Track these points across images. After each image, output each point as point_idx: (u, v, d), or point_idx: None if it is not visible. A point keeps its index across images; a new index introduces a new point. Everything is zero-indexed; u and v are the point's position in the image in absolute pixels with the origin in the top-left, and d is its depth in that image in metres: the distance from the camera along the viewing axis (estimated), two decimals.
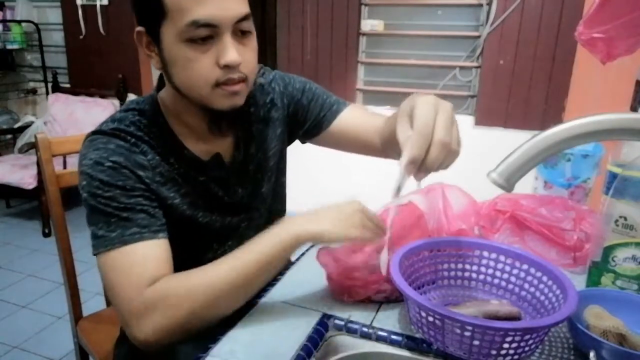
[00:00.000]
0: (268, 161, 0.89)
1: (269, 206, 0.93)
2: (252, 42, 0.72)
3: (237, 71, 0.69)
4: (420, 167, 0.55)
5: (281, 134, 0.91)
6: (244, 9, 0.68)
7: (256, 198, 0.89)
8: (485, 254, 0.78)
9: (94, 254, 0.69)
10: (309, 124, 0.92)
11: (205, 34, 0.65)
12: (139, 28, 0.70)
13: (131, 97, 3.19)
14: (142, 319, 0.63)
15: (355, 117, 0.92)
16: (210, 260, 0.85)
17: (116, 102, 3.14)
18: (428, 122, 0.54)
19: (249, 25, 0.70)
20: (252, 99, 0.86)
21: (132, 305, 0.64)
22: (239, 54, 0.68)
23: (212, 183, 0.81)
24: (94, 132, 0.74)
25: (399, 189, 0.60)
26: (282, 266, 0.66)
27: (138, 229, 0.68)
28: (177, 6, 0.64)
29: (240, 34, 0.69)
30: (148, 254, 0.68)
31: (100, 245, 0.67)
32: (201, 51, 0.66)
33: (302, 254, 0.93)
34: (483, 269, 0.79)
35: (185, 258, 0.74)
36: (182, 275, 0.66)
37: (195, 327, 0.65)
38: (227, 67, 0.67)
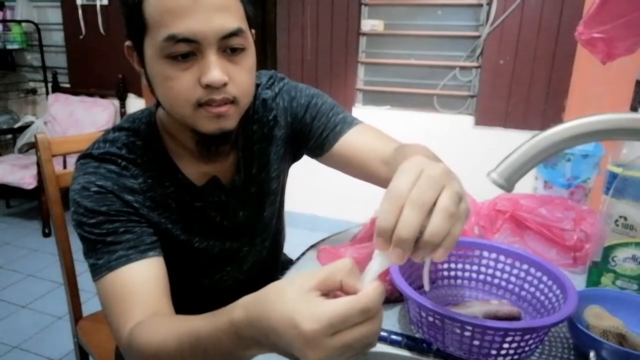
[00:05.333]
0: (270, 183, 0.85)
1: (272, 229, 0.90)
2: (246, 60, 0.65)
3: (222, 92, 0.63)
4: (417, 243, 0.42)
5: (284, 153, 0.86)
6: (232, 24, 0.61)
7: (258, 222, 0.85)
8: (485, 254, 0.78)
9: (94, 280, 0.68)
10: (311, 143, 0.85)
11: (185, 50, 0.60)
12: (127, 42, 0.67)
13: (131, 97, 3.19)
14: (125, 355, 0.64)
15: (360, 141, 0.82)
16: (206, 286, 0.84)
17: (116, 102, 3.14)
18: (400, 183, 0.42)
19: (242, 41, 0.63)
20: (255, 116, 0.82)
21: (119, 340, 0.64)
22: (227, 73, 0.62)
23: (209, 209, 0.78)
24: (84, 155, 0.72)
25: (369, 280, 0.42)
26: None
27: (124, 252, 0.66)
28: (156, 20, 0.59)
29: (230, 51, 0.63)
30: (135, 280, 0.65)
31: (93, 274, 0.67)
32: (182, 68, 0.61)
33: (302, 254, 0.93)
34: (483, 269, 0.79)
35: (180, 282, 0.73)
36: (154, 334, 0.57)
37: None
38: (210, 87, 0.62)
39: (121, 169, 0.70)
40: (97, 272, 0.66)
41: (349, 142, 0.82)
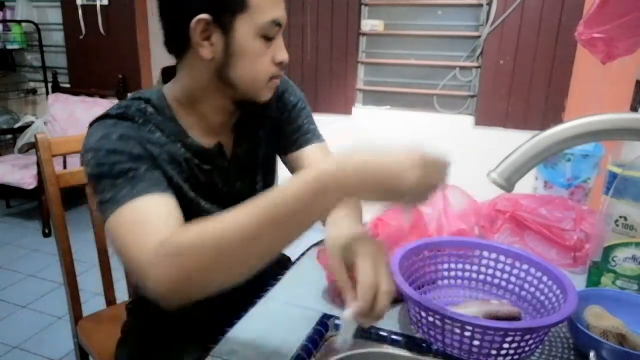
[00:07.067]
0: (265, 159, 0.89)
1: None
2: None
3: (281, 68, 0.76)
4: (370, 315, 0.55)
5: (272, 134, 0.91)
6: None
7: (252, 194, 0.88)
8: (485, 254, 0.78)
9: (105, 221, 0.65)
10: (282, 140, 0.90)
11: (275, 33, 0.72)
12: (203, 16, 0.68)
13: None
14: (153, 268, 0.57)
15: (311, 158, 0.88)
16: None
17: (116, 102, 3.14)
18: (372, 277, 0.54)
19: None
20: None
21: (144, 257, 0.59)
22: None
23: (214, 172, 0.81)
24: (100, 117, 0.73)
25: (345, 341, 0.57)
26: (315, 221, 0.54)
27: (146, 185, 0.66)
28: (260, 3, 0.69)
29: None
30: (158, 209, 0.64)
31: (109, 208, 0.64)
32: (267, 47, 0.72)
33: (302, 254, 0.93)
34: (483, 269, 0.79)
35: None
36: (194, 226, 0.57)
37: (210, 282, 0.56)
38: (281, 64, 0.74)
39: (139, 125, 0.73)
40: (115, 203, 0.64)
41: (311, 152, 0.89)
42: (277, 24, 0.71)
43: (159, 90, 0.79)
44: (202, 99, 0.77)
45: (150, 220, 0.62)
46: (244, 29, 0.69)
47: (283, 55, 0.74)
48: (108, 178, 0.66)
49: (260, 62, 0.73)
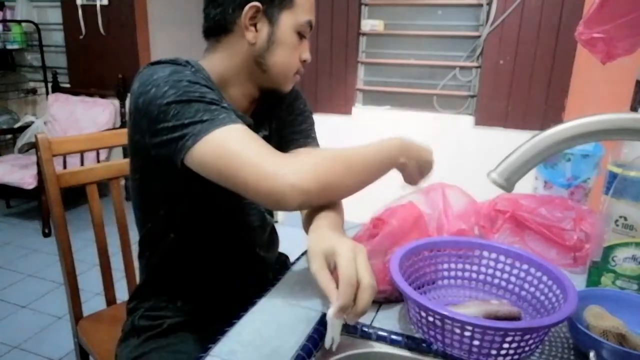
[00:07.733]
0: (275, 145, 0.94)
1: None
2: None
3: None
4: (353, 311, 0.59)
5: (280, 133, 0.96)
6: None
7: None
8: (485, 254, 0.78)
9: (196, 141, 0.68)
10: (281, 140, 0.95)
11: (307, 33, 0.84)
12: (255, 3, 0.78)
13: None
14: (289, 166, 0.68)
15: None
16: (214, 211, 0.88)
17: (116, 102, 3.14)
18: (353, 273, 0.59)
19: None
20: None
21: (286, 165, 0.68)
22: None
23: None
24: (153, 63, 0.76)
25: (333, 340, 0.61)
26: (387, 171, 0.79)
27: (238, 117, 0.72)
28: (302, 4, 0.81)
29: None
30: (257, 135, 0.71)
31: (209, 127, 0.68)
32: (299, 43, 0.83)
33: (302, 254, 0.93)
34: (483, 269, 0.79)
35: (203, 203, 0.82)
36: (322, 150, 0.79)
37: (341, 190, 0.74)
38: (304, 62, 0.86)
39: (193, 72, 0.76)
40: (219, 122, 0.69)
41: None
42: (310, 25, 0.83)
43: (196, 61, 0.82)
44: (231, 82, 0.84)
45: (261, 141, 0.71)
46: (287, 22, 0.80)
47: (307, 55, 0.86)
48: (202, 103, 0.70)
49: (292, 55, 0.83)
